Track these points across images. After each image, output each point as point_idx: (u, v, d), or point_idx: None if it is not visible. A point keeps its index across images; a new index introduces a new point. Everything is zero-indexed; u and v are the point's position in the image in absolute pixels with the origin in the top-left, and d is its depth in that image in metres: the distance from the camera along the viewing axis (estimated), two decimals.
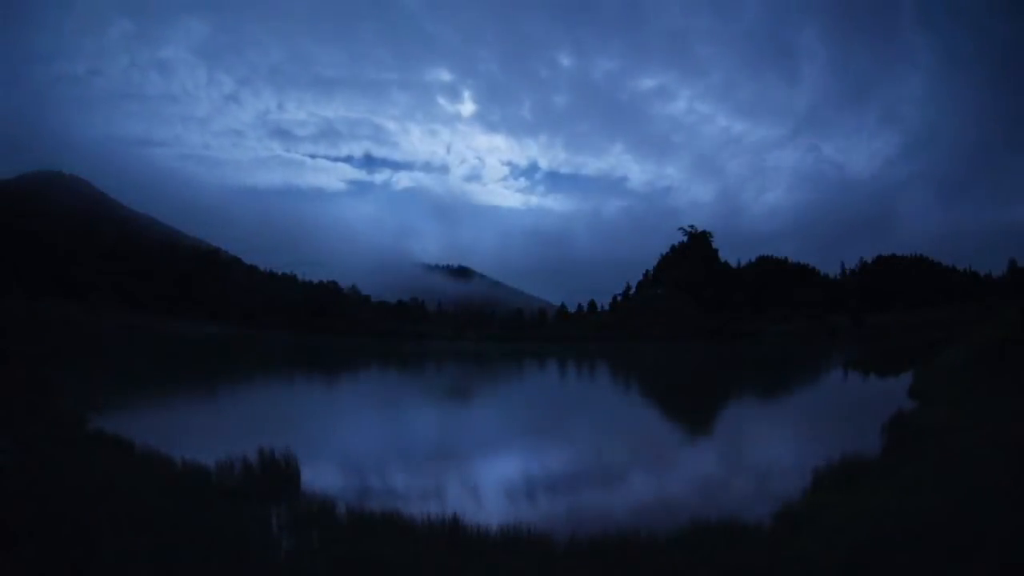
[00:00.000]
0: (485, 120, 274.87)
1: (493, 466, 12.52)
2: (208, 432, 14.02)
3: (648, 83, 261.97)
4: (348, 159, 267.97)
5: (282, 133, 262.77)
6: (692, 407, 23.12)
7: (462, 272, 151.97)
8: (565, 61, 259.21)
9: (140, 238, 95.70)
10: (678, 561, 5.63)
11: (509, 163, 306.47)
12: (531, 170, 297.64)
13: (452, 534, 6.72)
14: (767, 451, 13.91)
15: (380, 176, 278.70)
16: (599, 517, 8.00)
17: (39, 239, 77.23)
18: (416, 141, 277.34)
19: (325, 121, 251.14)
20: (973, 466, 7.75)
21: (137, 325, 61.56)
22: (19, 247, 72.01)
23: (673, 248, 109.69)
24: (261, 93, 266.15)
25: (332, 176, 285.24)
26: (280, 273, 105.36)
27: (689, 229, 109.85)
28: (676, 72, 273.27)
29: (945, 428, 11.21)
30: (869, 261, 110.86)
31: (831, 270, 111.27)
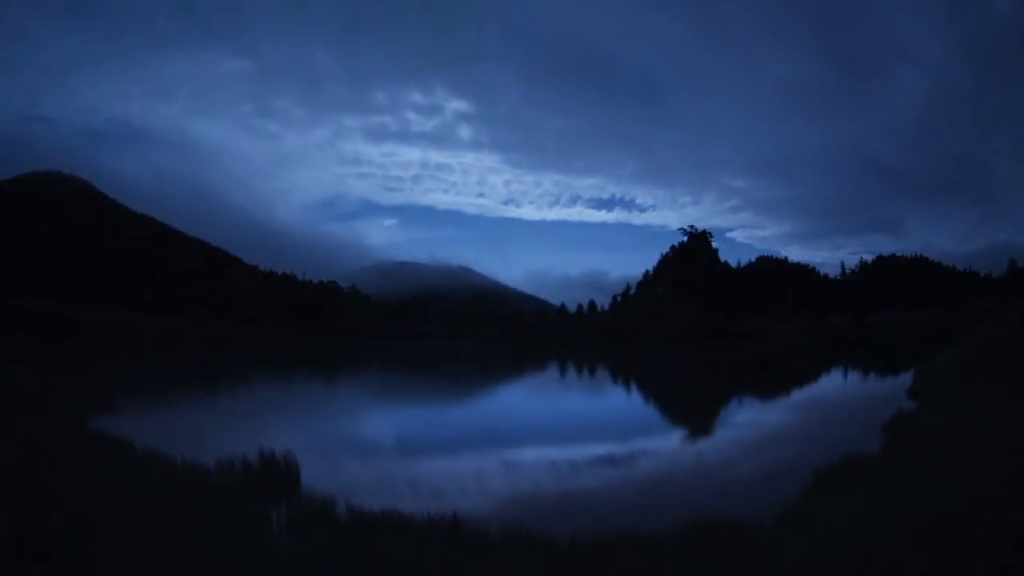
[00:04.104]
0: (520, 161, 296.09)
1: (490, 464, 12.52)
2: (208, 431, 14.03)
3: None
4: (406, 187, 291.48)
5: (360, 175, 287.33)
6: (690, 407, 23.12)
7: (463, 272, 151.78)
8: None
9: (140, 238, 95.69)
10: (678, 561, 5.63)
11: (537, 187, 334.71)
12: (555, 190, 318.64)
13: (452, 532, 6.73)
14: (765, 451, 13.91)
15: (425, 199, 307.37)
16: (598, 515, 8.00)
17: (39, 239, 77.30)
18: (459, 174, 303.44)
19: (396, 163, 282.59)
20: (973, 466, 7.76)
21: (137, 325, 61.57)
22: (19, 247, 72.11)
23: (673, 248, 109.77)
24: (349, 139, 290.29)
25: (383, 197, 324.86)
26: (280, 273, 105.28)
27: (689, 229, 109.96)
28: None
29: (945, 428, 11.21)
30: (869, 261, 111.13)
31: (831, 270, 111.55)
